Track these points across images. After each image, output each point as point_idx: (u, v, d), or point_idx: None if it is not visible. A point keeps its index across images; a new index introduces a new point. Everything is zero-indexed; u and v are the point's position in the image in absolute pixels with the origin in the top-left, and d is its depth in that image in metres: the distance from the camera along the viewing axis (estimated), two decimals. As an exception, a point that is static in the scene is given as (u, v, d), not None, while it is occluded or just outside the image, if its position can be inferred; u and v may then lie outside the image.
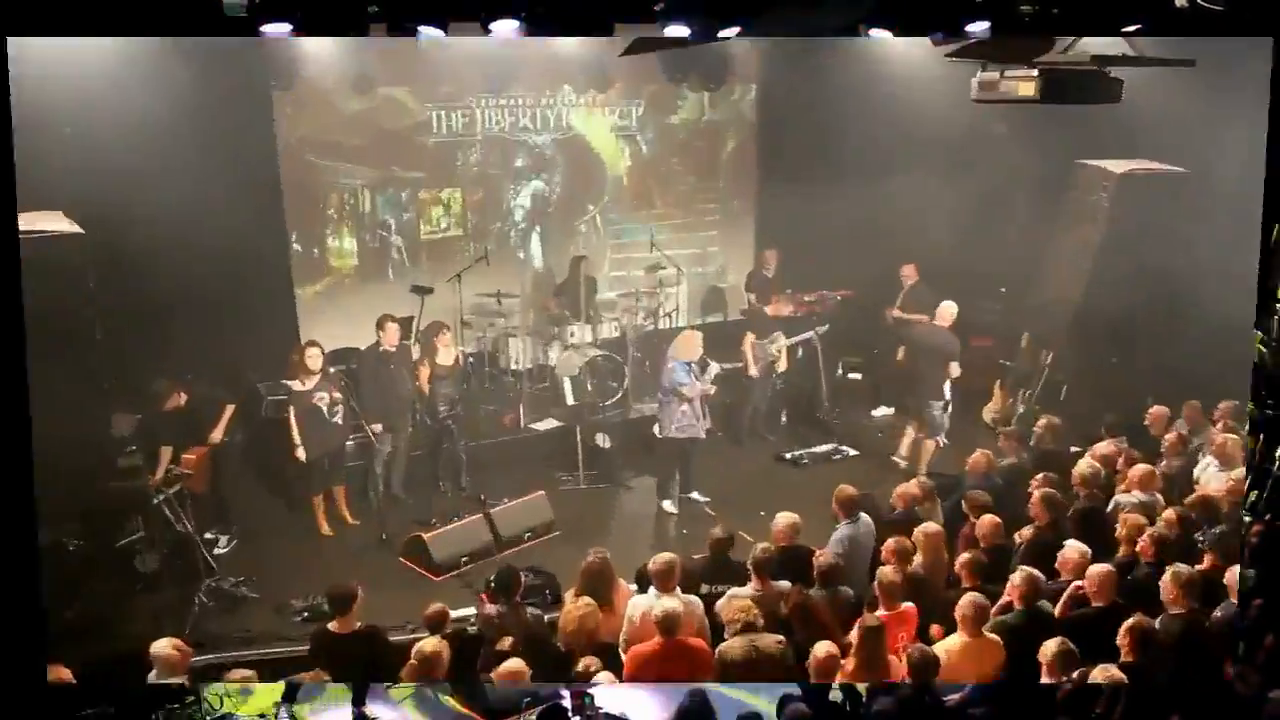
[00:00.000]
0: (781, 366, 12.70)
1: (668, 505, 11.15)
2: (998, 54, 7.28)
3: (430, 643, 6.69)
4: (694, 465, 11.35)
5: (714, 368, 10.89)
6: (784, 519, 8.30)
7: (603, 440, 11.98)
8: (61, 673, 6.42)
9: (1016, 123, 12.99)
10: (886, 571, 7.39)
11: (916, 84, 12.45)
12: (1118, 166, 11.90)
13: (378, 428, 10.54)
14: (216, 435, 10.17)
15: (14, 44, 6.09)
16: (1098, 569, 7.25)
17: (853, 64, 13.20)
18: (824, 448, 12.65)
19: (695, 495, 11.29)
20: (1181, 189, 11.98)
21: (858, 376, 14.23)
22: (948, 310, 11.72)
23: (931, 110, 12.43)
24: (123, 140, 10.05)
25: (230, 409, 10.30)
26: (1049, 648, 6.33)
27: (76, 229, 7.89)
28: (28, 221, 7.77)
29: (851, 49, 13.02)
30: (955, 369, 11.74)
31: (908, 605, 7.34)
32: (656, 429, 11.13)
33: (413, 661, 6.63)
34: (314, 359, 10.17)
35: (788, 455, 12.41)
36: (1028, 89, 7.01)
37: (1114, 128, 11.71)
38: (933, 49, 8.80)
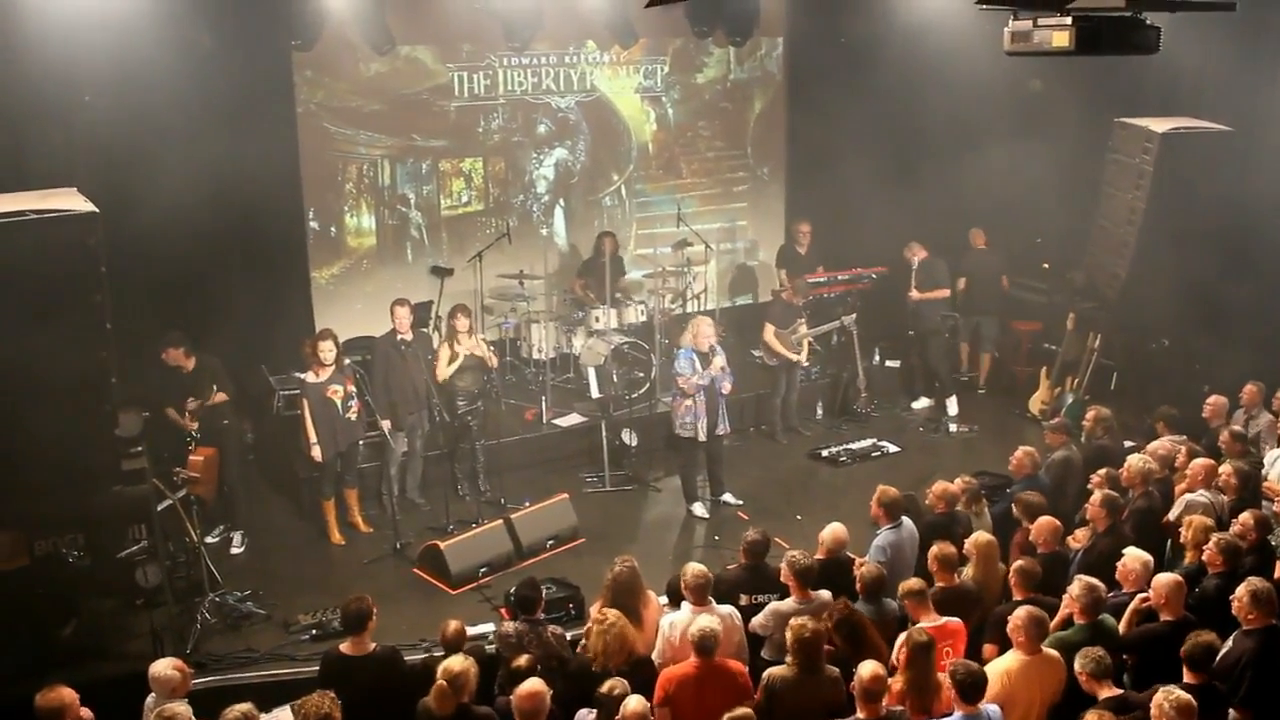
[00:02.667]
0: (801, 358, 12.19)
1: (697, 509, 10.67)
2: (1029, -1, 6.82)
3: (457, 660, 6.29)
4: (725, 465, 10.88)
5: (719, 358, 10.23)
6: (831, 533, 7.87)
7: (629, 437, 11.62)
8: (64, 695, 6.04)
9: (1052, 78, 12.82)
10: (908, 581, 6.98)
11: (947, 38, 12.13)
12: (1159, 125, 11.31)
13: (386, 424, 10.12)
14: (191, 404, 9.63)
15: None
16: (1165, 579, 6.79)
17: (880, 15, 12.97)
18: (863, 444, 12.16)
19: (728, 498, 10.81)
20: (1229, 148, 11.43)
21: (896, 364, 13.76)
22: (979, 235, 13.32)
23: (963, 67, 12.13)
24: (142, 108, 10.02)
25: (220, 397, 9.89)
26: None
27: (91, 208, 7.49)
28: (40, 200, 7.51)
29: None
30: (1005, 281, 13.41)
31: (952, 619, 6.88)
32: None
33: (441, 683, 6.21)
34: (327, 351, 9.76)
35: (824, 452, 11.94)
36: (1062, 39, 6.63)
37: (1153, 82, 11.52)
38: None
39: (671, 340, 13.15)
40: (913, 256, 12.77)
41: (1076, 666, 5.99)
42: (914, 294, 12.72)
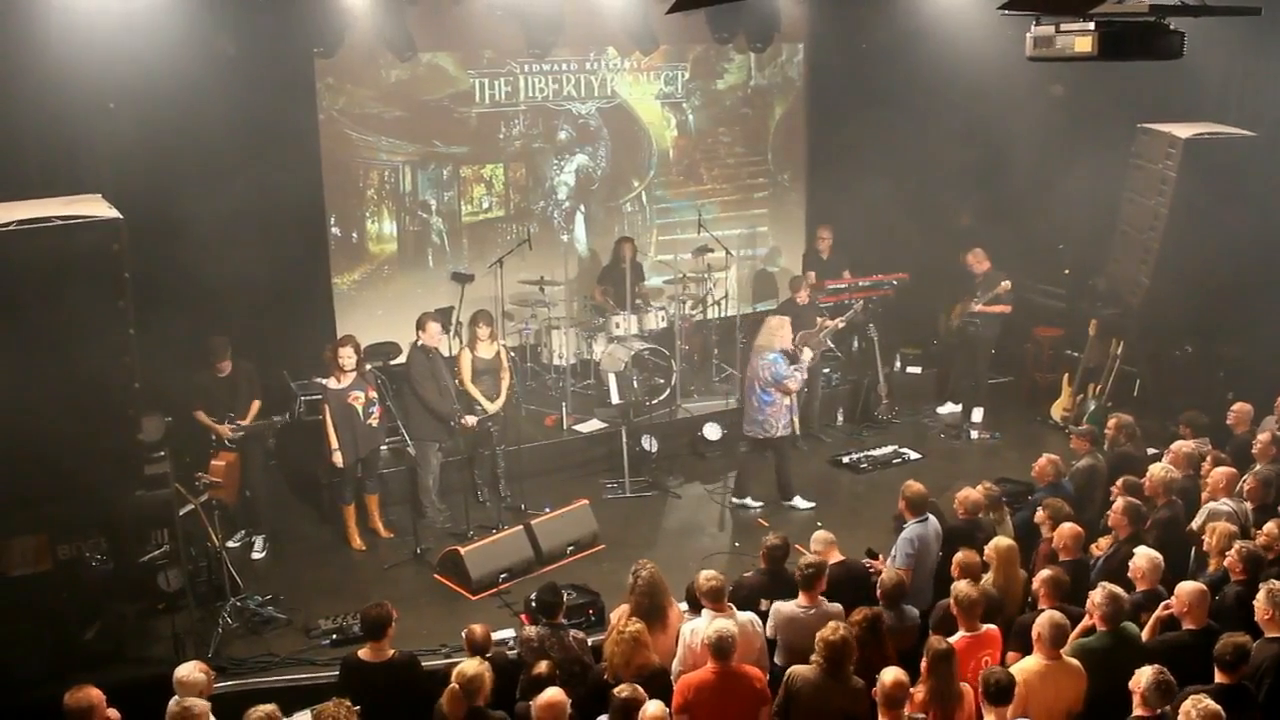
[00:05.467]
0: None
1: (799, 503, 10.81)
2: (1051, 4, 6.76)
3: (471, 665, 6.28)
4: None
5: (807, 354, 10.48)
6: (820, 539, 7.84)
7: (649, 443, 11.58)
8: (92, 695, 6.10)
9: (1074, 84, 12.77)
10: (963, 587, 6.84)
11: (969, 44, 12.08)
12: (1183, 131, 11.23)
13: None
14: (245, 419, 9.86)
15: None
16: (1188, 588, 6.73)
17: (901, 21, 12.90)
18: (884, 450, 12.12)
19: (748, 501, 10.85)
20: (1252, 153, 11.33)
21: (917, 370, 13.67)
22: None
23: (985, 72, 12.10)
24: (165, 115, 10.06)
25: (255, 405, 10.05)
26: (1143, 676, 5.76)
27: (115, 214, 7.54)
28: (65, 206, 7.54)
29: (899, 4, 12.79)
30: None
31: (990, 627, 6.81)
32: (749, 427, 10.65)
33: (454, 686, 6.21)
34: (348, 358, 9.78)
35: (845, 459, 11.88)
36: (1084, 44, 6.62)
37: (1176, 87, 11.44)
38: (984, 2, 8.27)
39: (692, 348, 13.16)
40: (977, 266, 12.55)
41: (1141, 683, 5.78)
42: (978, 306, 12.46)
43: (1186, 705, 5.49)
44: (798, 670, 6.26)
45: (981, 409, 12.75)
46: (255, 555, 10.01)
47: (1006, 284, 12.23)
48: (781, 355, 10.32)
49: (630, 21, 12.70)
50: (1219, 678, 5.97)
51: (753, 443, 10.70)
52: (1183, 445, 9.15)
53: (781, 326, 10.47)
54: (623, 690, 6.03)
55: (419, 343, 10.32)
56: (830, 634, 6.17)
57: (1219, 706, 5.46)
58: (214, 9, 10.10)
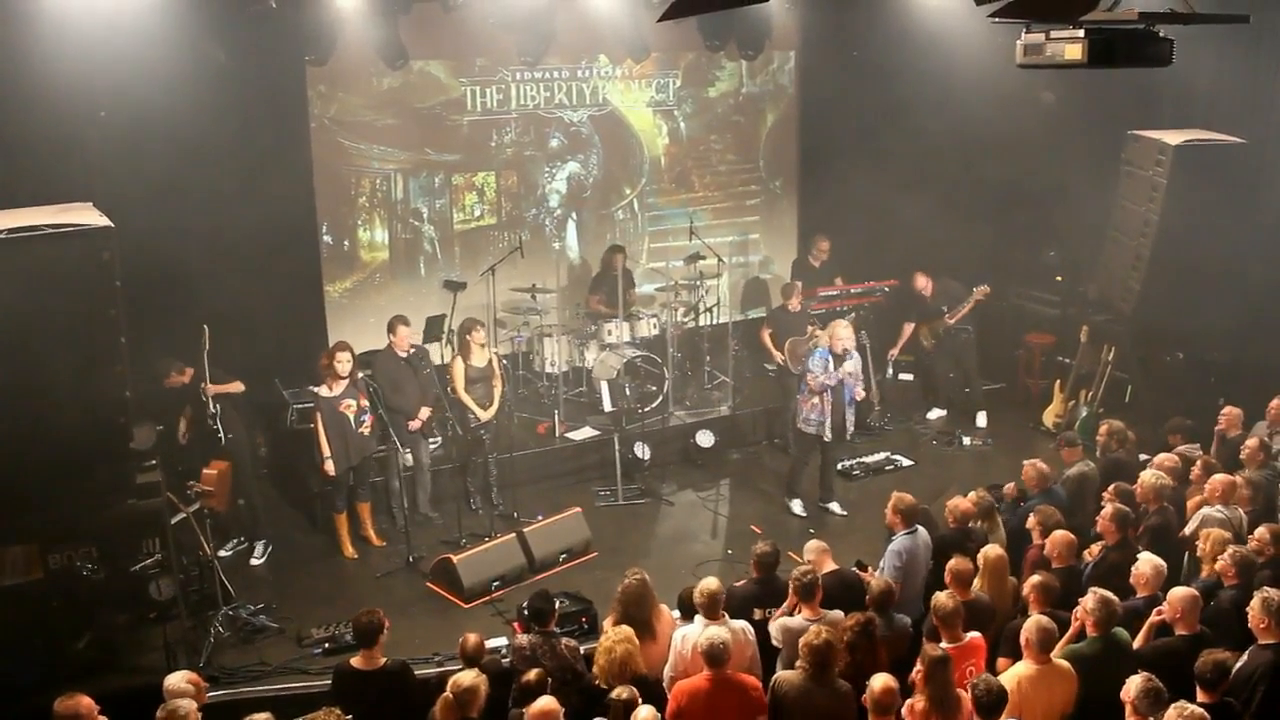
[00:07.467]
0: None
1: (796, 507, 10.88)
2: (1041, 12, 6.79)
3: (468, 675, 6.27)
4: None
5: (850, 363, 10.44)
6: (813, 548, 7.84)
7: (641, 450, 11.59)
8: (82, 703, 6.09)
9: (1064, 90, 12.80)
10: (941, 598, 6.84)
11: (960, 52, 12.13)
12: (1173, 137, 11.28)
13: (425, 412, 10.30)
14: (211, 390, 9.60)
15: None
16: (1180, 593, 6.75)
17: (892, 29, 12.92)
18: (876, 457, 12.14)
19: (834, 507, 11.00)
20: (1242, 160, 11.38)
21: (909, 377, 13.70)
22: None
23: (975, 80, 12.14)
24: (157, 123, 10.02)
25: (237, 386, 9.97)
26: (1133, 685, 5.75)
27: (106, 222, 7.58)
28: (56, 214, 7.56)
29: (891, 12, 12.81)
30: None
31: (974, 635, 6.79)
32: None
33: (448, 695, 6.20)
34: (344, 363, 9.80)
35: (838, 465, 11.77)
36: (1074, 52, 6.64)
37: (1166, 94, 11.58)
38: (974, 10, 8.29)
39: (684, 355, 13.17)
40: (924, 288, 12.79)
41: (1132, 692, 5.78)
42: (949, 319, 12.68)
43: (1171, 714, 5.47)
44: (783, 676, 6.28)
45: (985, 413, 12.82)
46: (255, 561, 10.02)
47: (985, 288, 12.48)
48: (823, 353, 10.39)
49: (622, 29, 12.70)
50: (1200, 696, 5.92)
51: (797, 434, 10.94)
52: (1164, 459, 9.15)
53: (835, 327, 10.57)
54: (620, 693, 6.04)
55: (391, 349, 10.38)
56: (813, 638, 6.18)
57: (1204, 712, 5.45)
58: (206, 16, 10.08)
